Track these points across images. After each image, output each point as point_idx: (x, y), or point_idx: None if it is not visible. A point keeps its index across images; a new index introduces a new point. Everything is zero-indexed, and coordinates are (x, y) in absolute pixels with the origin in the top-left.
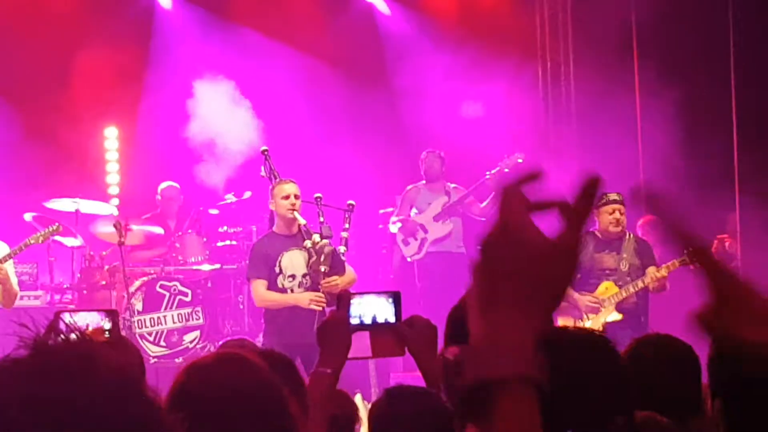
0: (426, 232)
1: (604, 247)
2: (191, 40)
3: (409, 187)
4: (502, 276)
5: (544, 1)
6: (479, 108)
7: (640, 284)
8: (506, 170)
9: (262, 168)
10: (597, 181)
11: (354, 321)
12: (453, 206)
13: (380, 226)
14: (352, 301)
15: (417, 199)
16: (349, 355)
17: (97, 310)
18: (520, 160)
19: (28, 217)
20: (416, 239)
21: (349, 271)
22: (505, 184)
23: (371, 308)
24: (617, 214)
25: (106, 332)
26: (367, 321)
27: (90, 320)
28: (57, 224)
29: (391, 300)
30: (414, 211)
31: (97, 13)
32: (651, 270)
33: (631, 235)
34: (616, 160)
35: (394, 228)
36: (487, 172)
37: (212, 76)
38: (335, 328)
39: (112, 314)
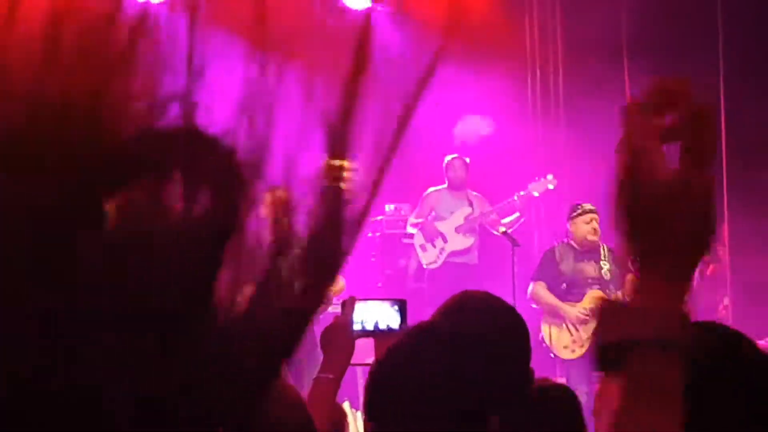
0: (446, 241)
1: (583, 256)
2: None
3: (430, 190)
4: (644, 227)
5: (534, 7)
6: (469, 115)
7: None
8: (535, 194)
9: None
10: (709, 109)
11: (356, 327)
12: (477, 219)
13: (369, 234)
14: (355, 307)
15: (439, 204)
16: (352, 361)
17: None
18: (551, 186)
19: None
20: (435, 247)
21: (339, 279)
22: (629, 108)
23: (375, 314)
24: (594, 223)
25: None
26: (369, 327)
27: None
28: None
29: (396, 307)
30: (433, 214)
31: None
32: (631, 277)
33: (605, 246)
34: (606, 166)
35: (411, 229)
36: (516, 195)
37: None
38: (338, 333)
39: None
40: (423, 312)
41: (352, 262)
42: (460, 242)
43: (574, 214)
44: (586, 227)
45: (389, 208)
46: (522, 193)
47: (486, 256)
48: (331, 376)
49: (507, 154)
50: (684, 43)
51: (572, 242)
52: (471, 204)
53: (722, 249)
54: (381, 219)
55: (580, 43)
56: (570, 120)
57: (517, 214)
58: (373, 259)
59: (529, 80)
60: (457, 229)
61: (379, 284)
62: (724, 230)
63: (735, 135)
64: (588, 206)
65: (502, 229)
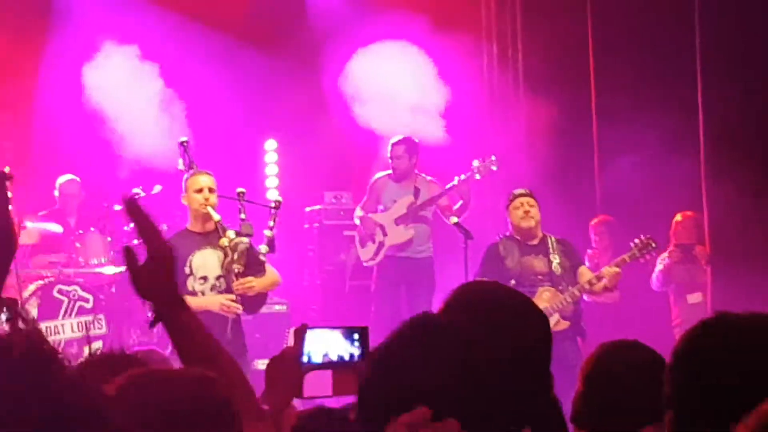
0: (385, 234)
1: (530, 250)
2: (98, 17)
3: (377, 176)
4: None
5: None
6: (420, 93)
7: (586, 286)
8: (477, 177)
9: (180, 160)
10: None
11: (305, 359)
12: (420, 208)
13: (306, 226)
14: (308, 335)
15: (383, 193)
16: (309, 394)
17: None
18: (494, 168)
19: None
20: (374, 242)
21: (271, 273)
22: None
23: (329, 344)
24: (525, 207)
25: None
26: (317, 360)
27: None
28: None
29: (356, 335)
30: (380, 207)
31: None
32: (584, 270)
33: (552, 237)
34: (564, 144)
35: (357, 221)
36: (456, 177)
37: (123, 57)
38: (284, 365)
39: (9, 303)
40: (368, 310)
41: (287, 257)
42: (399, 235)
43: (509, 201)
44: (516, 213)
45: (329, 196)
46: (463, 176)
47: (440, 249)
48: (265, 407)
49: (461, 135)
50: (651, 16)
51: (514, 235)
52: (416, 192)
53: (700, 248)
54: (319, 209)
55: (541, 18)
56: (528, 97)
57: (461, 202)
58: (310, 254)
59: (485, 57)
60: (398, 221)
61: (318, 282)
62: (703, 223)
63: (711, 112)
64: (519, 191)
65: (454, 219)
